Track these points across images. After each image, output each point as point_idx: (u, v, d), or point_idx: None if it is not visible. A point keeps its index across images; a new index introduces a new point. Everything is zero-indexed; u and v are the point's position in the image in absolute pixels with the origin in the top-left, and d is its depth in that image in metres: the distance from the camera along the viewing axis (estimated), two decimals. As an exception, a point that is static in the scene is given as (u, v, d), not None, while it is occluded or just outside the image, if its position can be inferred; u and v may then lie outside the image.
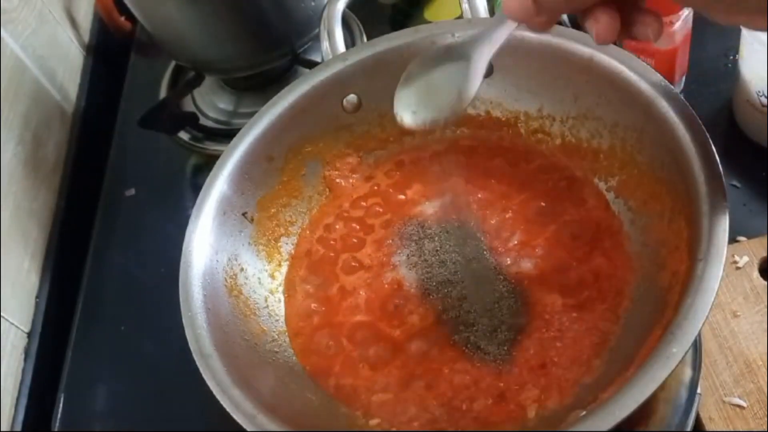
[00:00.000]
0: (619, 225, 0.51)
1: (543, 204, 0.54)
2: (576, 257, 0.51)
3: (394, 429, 0.47)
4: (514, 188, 0.56)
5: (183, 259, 0.49)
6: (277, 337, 0.52)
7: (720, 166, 0.43)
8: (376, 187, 0.59)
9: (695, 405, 0.49)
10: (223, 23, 0.72)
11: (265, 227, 0.56)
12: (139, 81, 0.90)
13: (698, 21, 0.73)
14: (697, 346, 0.51)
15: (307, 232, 0.57)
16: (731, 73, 0.67)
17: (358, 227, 0.57)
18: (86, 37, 0.93)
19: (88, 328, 0.72)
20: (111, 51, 0.94)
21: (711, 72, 0.71)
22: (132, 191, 0.80)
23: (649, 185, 0.49)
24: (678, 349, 0.37)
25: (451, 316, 0.50)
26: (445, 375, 0.48)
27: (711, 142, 0.44)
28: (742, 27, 0.58)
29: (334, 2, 0.59)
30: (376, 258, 0.55)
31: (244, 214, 0.54)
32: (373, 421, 0.48)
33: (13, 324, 0.68)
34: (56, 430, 0.67)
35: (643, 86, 0.48)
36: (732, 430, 0.51)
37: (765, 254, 0.57)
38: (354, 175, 0.59)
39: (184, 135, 0.81)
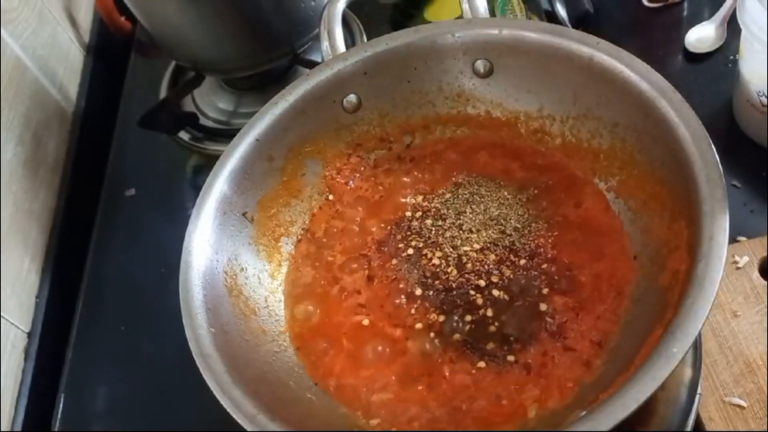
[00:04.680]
0: (619, 225, 0.51)
1: (543, 204, 0.54)
2: (576, 257, 0.51)
3: (394, 429, 0.47)
4: (513, 188, 0.56)
5: (183, 259, 0.49)
6: (277, 337, 0.52)
7: (720, 166, 0.43)
8: (376, 187, 0.59)
9: (695, 405, 0.49)
10: (223, 23, 0.72)
11: (265, 227, 0.56)
12: (139, 81, 0.90)
13: (697, 19, 0.73)
14: (697, 346, 0.51)
15: (308, 232, 0.57)
16: (731, 73, 0.67)
17: (358, 228, 0.57)
18: (86, 37, 0.93)
19: (88, 328, 0.72)
20: (111, 51, 0.94)
21: (711, 72, 0.71)
22: (132, 191, 0.80)
23: (649, 185, 0.49)
24: (678, 349, 0.37)
25: (452, 316, 0.50)
26: (445, 375, 0.48)
27: (711, 142, 0.44)
28: (742, 27, 0.58)
29: (334, 2, 0.59)
30: (377, 258, 0.55)
31: (244, 214, 0.54)
32: (374, 421, 0.48)
33: (13, 324, 0.68)
34: (56, 430, 0.67)
35: (643, 86, 0.48)
36: (732, 430, 0.51)
37: (765, 254, 0.57)
38: (354, 175, 0.59)
39: (184, 135, 0.81)
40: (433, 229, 0.55)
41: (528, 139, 0.57)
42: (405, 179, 0.58)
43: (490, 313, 0.50)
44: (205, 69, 0.80)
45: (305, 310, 0.54)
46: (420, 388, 0.48)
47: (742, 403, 0.52)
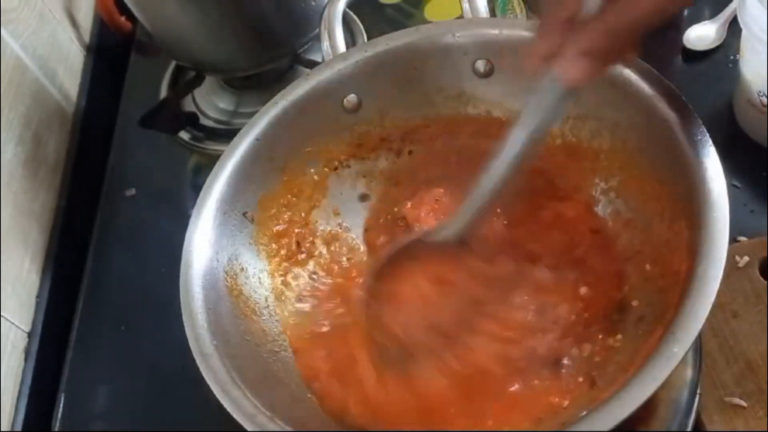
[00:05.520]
0: (619, 225, 0.51)
1: (543, 204, 0.54)
2: (576, 258, 0.51)
3: (393, 429, 0.47)
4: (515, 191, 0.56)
5: (183, 259, 0.49)
6: (277, 337, 0.52)
7: (720, 166, 0.43)
8: (376, 188, 0.59)
9: (695, 405, 0.49)
10: (224, 23, 0.72)
11: (265, 227, 0.55)
12: (139, 81, 0.90)
13: (697, 19, 0.73)
14: (697, 347, 0.51)
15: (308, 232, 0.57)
16: (731, 73, 0.67)
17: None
18: (86, 37, 0.93)
19: (88, 328, 0.72)
20: (111, 51, 0.94)
21: (711, 72, 0.71)
22: (132, 191, 0.80)
23: (649, 185, 0.49)
24: (678, 348, 0.37)
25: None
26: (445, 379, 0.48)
27: (711, 142, 0.44)
28: (743, 27, 0.58)
29: (335, 2, 0.59)
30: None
31: (244, 214, 0.54)
32: None
33: (13, 324, 0.68)
34: (56, 430, 0.67)
35: (643, 86, 0.48)
36: (732, 430, 0.51)
37: (765, 254, 0.57)
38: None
39: (184, 135, 0.81)
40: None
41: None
42: (405, 179, 0.58)
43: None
44: (206, 69, 0.80)
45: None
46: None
47: (742, 403, 0.52)
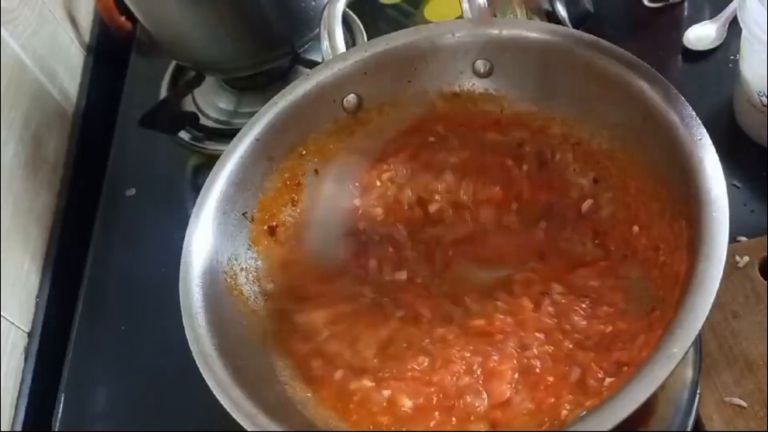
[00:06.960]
0: (618, 225, 0.51)
1: (544, 205, 0.54)
2: (575, 258, 0.51)
3: (396, 429, 0.47)
4: (514, 189, 0.56)
5: (183, 259, 0.49)
6: (277, 336, 0.52)
7: (720, 166, 0.43)
8: (376, 188, 0.59)
9: (695, 405, 0.49)
10: (224, 23, 0.72)
11: (265, 227, 0.55)
12: (139, 81, 0.90)
13: (697, 19, 0.73)
14: (697, 347, 0.51)
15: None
16: (731, 73, 0.67)
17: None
18: (86, 37, 0.93)
19: (88, 328, 0.72)
20: (111, 51, 0.94)
21: (711, 72, 0.71)
22: (132, 191, 0.80)
23: (649, 185, 0.49)
24: (678, 349, 0.37)
25: (448, 318, 0.51)
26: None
27: (711, 142, 0.44)
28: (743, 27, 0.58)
29: (335, 2, 0.59)
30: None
31: (244, 214, 0.54)
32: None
33: (13, 324, 0.68)
34: (56, 430, 0.67)
35: (644, 86, 0.48)
36: (732, 430, 0.51)
37: (765, 254, 0.57)
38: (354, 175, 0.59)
39: (184, 135, 0.81)
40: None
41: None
42: (405, 179, 0.58)
43: None
44: (206, 69, 0.80)
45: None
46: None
47: (742, 403, 0.52)
